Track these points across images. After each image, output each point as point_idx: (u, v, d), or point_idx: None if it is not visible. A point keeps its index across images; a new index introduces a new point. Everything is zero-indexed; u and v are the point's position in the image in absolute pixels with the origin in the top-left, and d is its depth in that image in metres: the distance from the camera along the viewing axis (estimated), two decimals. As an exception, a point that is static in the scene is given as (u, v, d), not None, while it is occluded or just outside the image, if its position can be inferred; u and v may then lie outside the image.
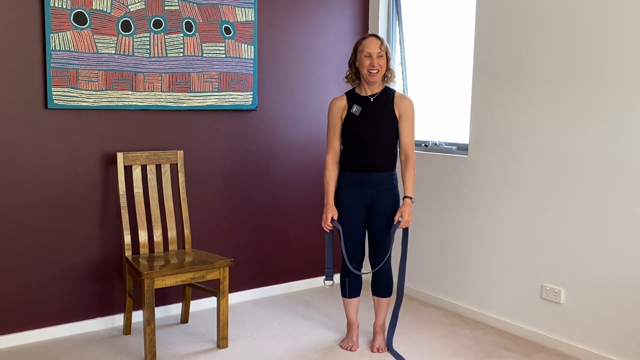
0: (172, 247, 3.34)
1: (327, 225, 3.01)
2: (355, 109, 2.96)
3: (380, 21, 4.14)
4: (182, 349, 3.13)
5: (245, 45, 3.63)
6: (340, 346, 3.16)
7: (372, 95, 2.98)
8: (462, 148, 3.68)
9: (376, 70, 2.91)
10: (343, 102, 3.02)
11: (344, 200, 3.02)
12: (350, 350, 3.11)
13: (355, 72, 3.01)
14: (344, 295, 3.16)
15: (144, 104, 3.33)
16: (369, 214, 3.04)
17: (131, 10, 3.24)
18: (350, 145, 3.00)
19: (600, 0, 2.85)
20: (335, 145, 3.04)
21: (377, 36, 2.97)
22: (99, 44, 3.16)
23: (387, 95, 3.00)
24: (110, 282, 3.38)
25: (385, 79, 3.01)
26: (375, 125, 2.96)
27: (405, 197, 2.98)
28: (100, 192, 3.29)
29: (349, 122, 2.98)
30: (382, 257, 3.06)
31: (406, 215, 2.96)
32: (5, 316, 3.09)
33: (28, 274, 3.13)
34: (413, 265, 3.99)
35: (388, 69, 2.98)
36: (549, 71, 3.09)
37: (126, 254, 3.16)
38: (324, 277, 4.15)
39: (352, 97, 3.01)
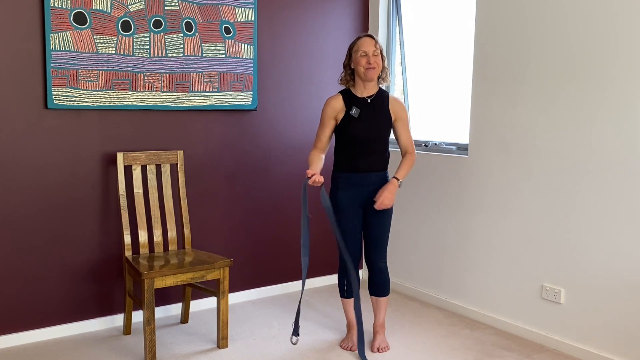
0: (172, 247, 3.34)
1: (317, 179, 2.81)
2: (355, 111, 2.95)
3: (380, 21, 4.14)
4: (182, 349, 3.13)
5: (245, 45, 3.63)
6: (340, 346, 3.16)
7: (369, 97, 2.98)
8: (462, 148, 3.68)
9: (373, 67, 2.91)
10: (339, 103, 2.99)
11: (341, 200, 3.01)
12: (350, 350, 3.11)
13: (350, 74, 3.00)
14: (342, 295, 3.16)
15: (144, 104, 3.33)
16: (366, 212, 3.05)
17: (131, 10, 3.24)
18: (347, 147, 3.00)
19: (597, 2, 2.85)
20: (323, 143, 3.02)
21: (371, 36, 2.98)
22: (99, 44, 3.16)
23: (382, 97, 3.02)
24: (110, 282, 3.38)
25: (380, 79, 3.02)
26: (373, 127, 2.97)
27: (393, 176, 3.00)
28: (100, 192, 3.29)
29: (346, 123, 2.97)
30: (380, 255, 3.09)
31: (387, 192, 2.94)
32: (5, 316, 3.09)
33: (28, 274, 3.13)
34: (413, 265, 3.99)
35: (383, 68, 2.99)
36: (549, 71, 3.09)
37: (126, 254, 3.16)
38: (321, 277, 4.18)
39: (349, 97, 2.99)
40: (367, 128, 2.96)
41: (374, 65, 2.90)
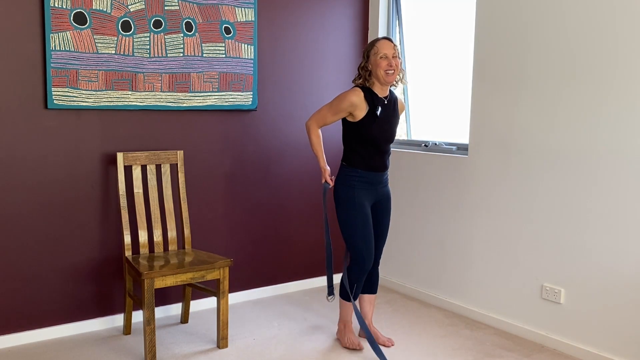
0: (172, 247, 3.34)
1: (330, 180, 3.06)
2: (380, 110, 2.95)
3: (380, 21, 4.14)
4: (182, 349, 3.13)
5: (245, 45, 3.63)
6: (346, 347, 3.12)
7: (385, 97, 3.01)
8: (462, 148, 3.68)
9: (393, 71, 2.94)
10: (362, 100, 2.94)
11: (359, 200, 3.01)
12: (358, 348, 3.10)
13: (367, 75, 2.99)
14: (348, 299, 3.13)
15: (144, 104, 3.33)
16: (375, 210, 3.10)
17: (131, 10, 3.24)
18: (366, 146, 2.99)
19: (596, 4, 2.85)
20: (327, 122, 3.02)
21: (389, 39, 3.02)
22: (99, 44, 3.16)
23: (393, 98, 3.08)
24: (110, 282, 3.38)
25: (398, 81, 3.06)
26: (391, 127, 3.04)
27: None
28: (100, 192, 3.29)
29: (369, 122, 2.95)
30: (381, 252, 3.20)
31: None
32: (5, 316, 3.09)
33: (28, 274, 3.13)
34: (413, 265, 3.99)
35: (400, 70, 3.02)
36: (548, 71, 3.09)
37: (126, 254, 3.16)
38: (321, 277, 4.18)
39: (372, 97, 2.96)
40: (387, 129, 3.02)
41: (395, 68, 2.94)
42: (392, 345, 3.18)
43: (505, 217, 3.36)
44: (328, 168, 3.07)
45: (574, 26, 2.97)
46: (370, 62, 2.96)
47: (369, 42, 3.09)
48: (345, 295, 3.13)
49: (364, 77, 2.99)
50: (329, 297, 3.21)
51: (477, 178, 3.50)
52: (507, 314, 3.40)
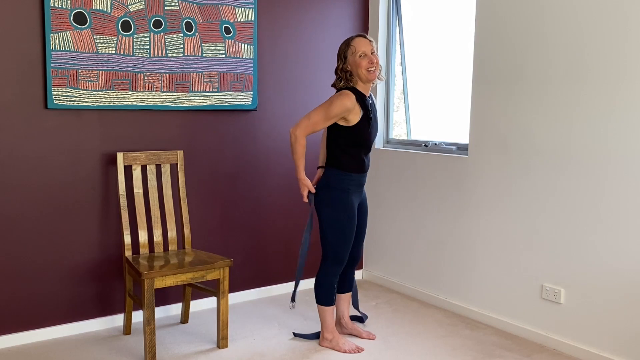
0: (172, 247, 3.34)
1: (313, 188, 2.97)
2: (373, 111, 2.97)
3: (380, 21, 4.14)
4: (182, 349, 3.13)
5: (245, 45, 3.63)
6: (348, 352, 3.06)
7: (368, 96, 2.98)
8: (462, 148, 3.68)
9: (374, 67, 2.87)
10: (355, 104, 2.85)
11: (354, 203, 3.00)
12: (359, 350, 3.08)
13: (347, 77, 2.89)
14: (329, 303, 3.05)
15: (144, 104, 3.33)
16: (358, 213, 3.09)
17: (131, 10, 3.24)
18: (360, 148, 2.94)
19: (596, 3, 2.85)
20: (317, 129, 2.87)
21: (364, 35, 2.94)
22: (99, 44, 3.16)
23: (372, 95, 3.05)
24: (110, 282, 3.38)
25: (377, 78, 2.95)
26: (377, 126, 3.03)
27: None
28: (100, 192, 3.29)
29: (365, 124, 2.89)
30: (362, 252, 3.25)
31: None
32: (5, 316, 3.09)
33: (28, 274, 3.13)
34: (413, 265, 3.99)
35: (379, 66, 2.95)
36: (548, 71, 3.09)
37: (126, 254, 3.16)
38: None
39: (361, 98, 2.89)
40: (376, 128, 3.02)
41: (375, 65, 2.87)
42: (375, 338, 3.22)
43: (505, 217, 3.36)
44: (305, 178, 2.96)
45: (574, 25, 2.97)
46: (349, 63, 2.87)
47: (342, 42, 2.97)
48: (327, 300, 3.04)
49: (345, 79, 2.90)
50: (292, 304, 3.17)
51: (477, 178, 3.50)
52: (507, 314, 3.40)
